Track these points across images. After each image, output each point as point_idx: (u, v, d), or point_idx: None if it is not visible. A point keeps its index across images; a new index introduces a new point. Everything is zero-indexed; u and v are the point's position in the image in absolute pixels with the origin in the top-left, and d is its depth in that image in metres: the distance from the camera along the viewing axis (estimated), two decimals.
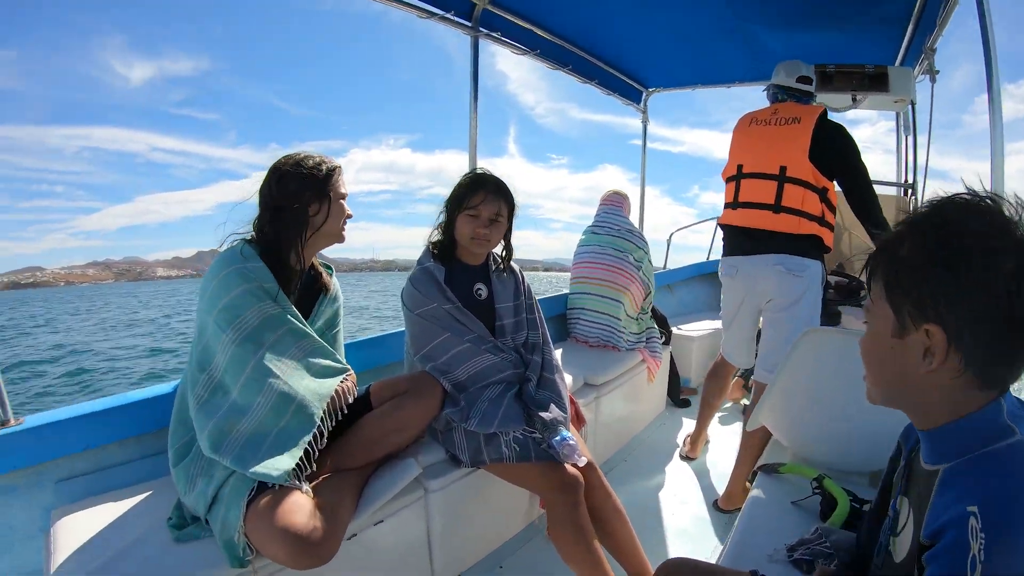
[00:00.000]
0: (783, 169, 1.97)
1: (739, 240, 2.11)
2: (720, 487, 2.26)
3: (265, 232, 1.37)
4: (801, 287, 1.97)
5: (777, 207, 1.98)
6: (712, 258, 4.84)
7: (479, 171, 1.72)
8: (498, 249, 1.77)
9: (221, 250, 1.36)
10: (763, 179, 2.02)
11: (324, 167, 1.40)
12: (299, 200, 1.37)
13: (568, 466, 1.47)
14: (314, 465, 1.26)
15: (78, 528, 1.24)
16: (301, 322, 1.39)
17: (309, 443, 1.25)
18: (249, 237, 1.39)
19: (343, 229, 1.47)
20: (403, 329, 1.75)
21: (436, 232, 1.73)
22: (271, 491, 1.14)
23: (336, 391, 1.37)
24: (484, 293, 1.74)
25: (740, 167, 2.12)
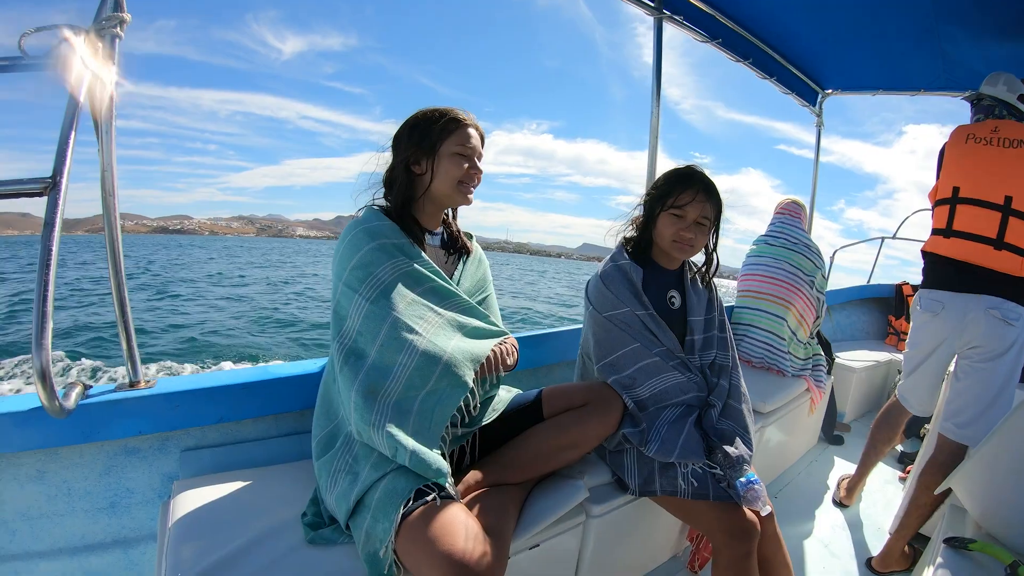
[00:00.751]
0: (1008, 199, 1.72)
1: (949, 273, 1.86)
2: (873, 543, 2.06)
3: (386, 193, 1.33)
4: (1012, 337, 1.72)
5: (999, 242, 1.73)
6: (874, 281, 4.41)
7: (687, 165, 1.54)
8: (696, 257, 1.61)
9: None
10: (983, 207, 1.78)
11: (441, 119, 1.27)
12: (404, 158, 1.28)
13: (746, 510, 1.34)
14: (459, 428, 1.18)
15: (200, 506, 1.17)
16: (445, 280, 1.28)
17: (460, 408, 1.15)
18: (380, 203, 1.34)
19: (464, 189, 1.31)
20: (572, 328, 1.66)
21: (630, 228, 1.60)
22: (429, 504, 0.99)
23: (493, 351, 1.25)
24: (677, 302, 1.60)
25: (956, 190, 1.87)
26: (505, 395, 1.42)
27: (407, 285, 1.20)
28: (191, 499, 1.20)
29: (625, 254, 1.56)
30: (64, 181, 0.96)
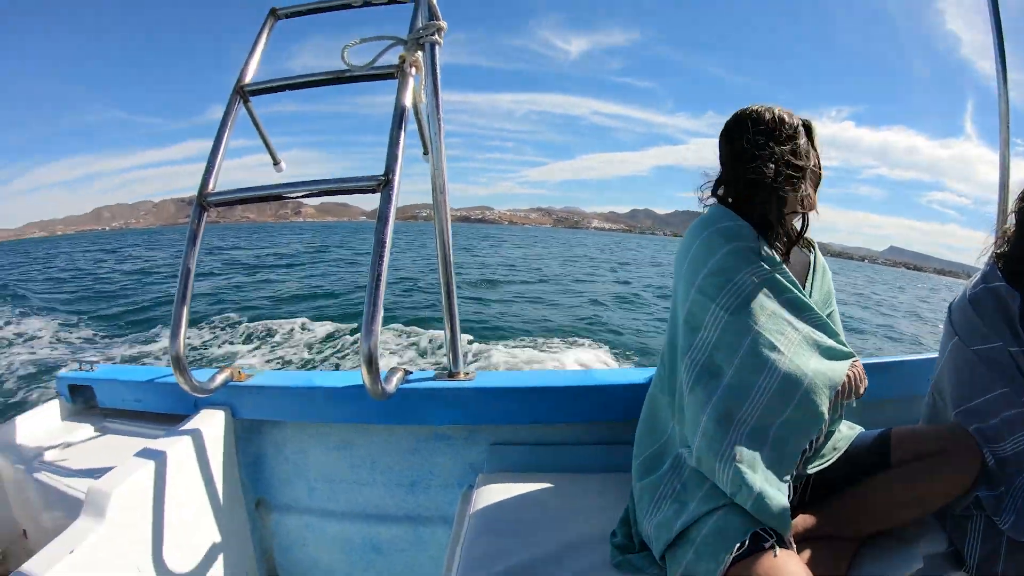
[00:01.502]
0: None
1: None
2: None
3: (740, 196, 1.18)
4: None
5: None
6: None
7: None
8: None
9: (703, 212, 1.21)
10: None
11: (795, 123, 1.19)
12: (769, 170, 1.15)
13: None
14: (800, 467, 1.06)
15: (502, 500, 1.17)
16: (800, 291, 1.15)
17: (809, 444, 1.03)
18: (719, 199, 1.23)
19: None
20: (914, 358, 1.44)
21: (1000, 241, 1.33)
22: (765, 552, 0.89)
23: (848, 376, 1.10)
24: None
25: None
26: (848, 432, 1.23)
27: (768, 294, 1.10)
28: (494, 492, 1.21)
29: (998, 274, 1.29)
30: (396, 179, 1.02)
